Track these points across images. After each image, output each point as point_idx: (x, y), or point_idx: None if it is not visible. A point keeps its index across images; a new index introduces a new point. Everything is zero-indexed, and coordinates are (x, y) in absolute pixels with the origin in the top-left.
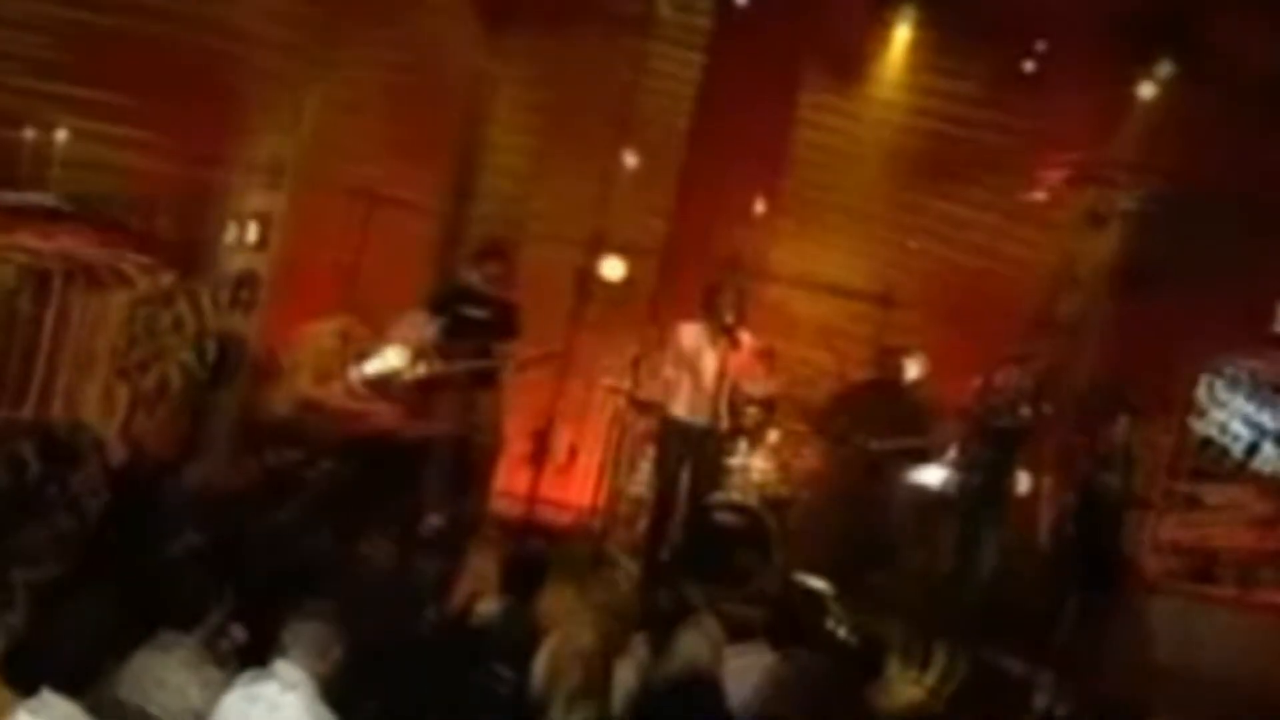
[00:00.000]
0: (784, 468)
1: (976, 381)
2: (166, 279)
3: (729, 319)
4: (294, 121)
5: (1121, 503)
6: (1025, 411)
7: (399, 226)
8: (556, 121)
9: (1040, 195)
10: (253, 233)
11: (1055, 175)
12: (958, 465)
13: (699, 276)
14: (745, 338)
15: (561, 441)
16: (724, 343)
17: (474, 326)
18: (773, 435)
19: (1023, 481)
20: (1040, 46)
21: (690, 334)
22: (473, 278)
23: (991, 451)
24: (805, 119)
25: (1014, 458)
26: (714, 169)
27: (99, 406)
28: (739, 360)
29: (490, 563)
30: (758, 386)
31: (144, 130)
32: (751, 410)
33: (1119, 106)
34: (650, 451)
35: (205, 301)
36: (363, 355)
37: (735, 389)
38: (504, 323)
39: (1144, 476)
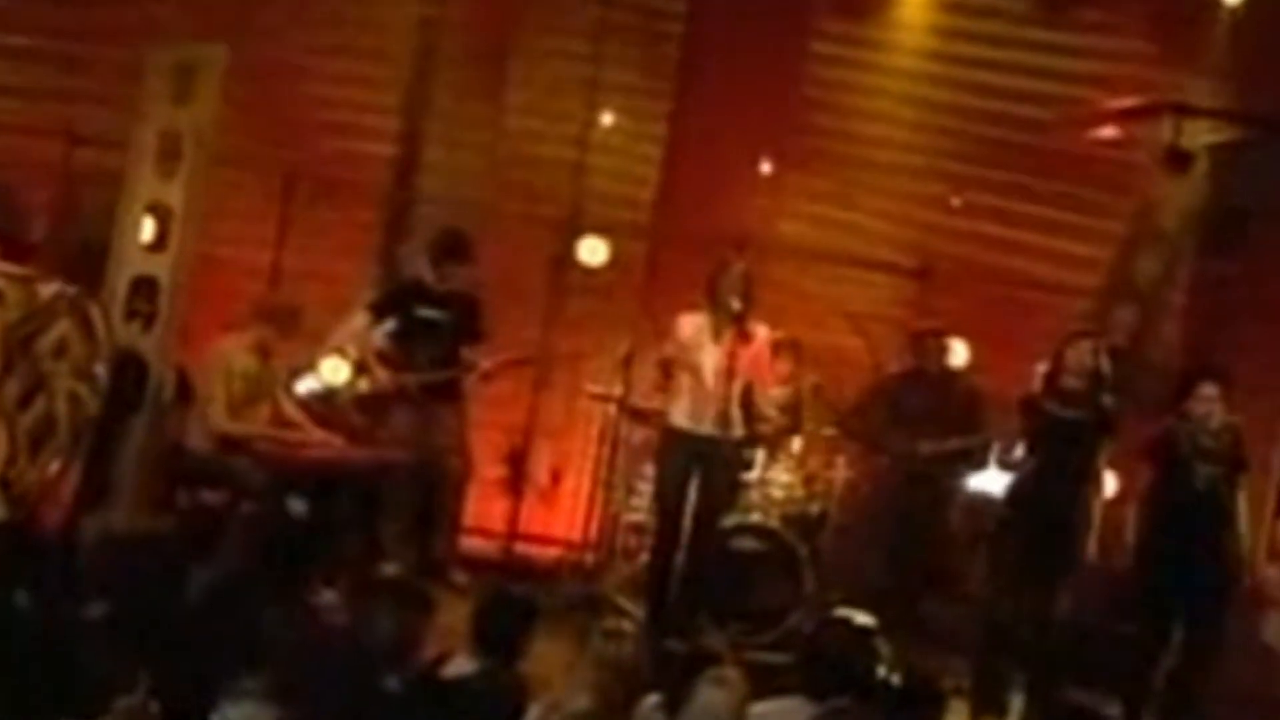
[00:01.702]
0: (811, 481)
1: (1041, 365)
2: (45, 291)
3: (736, 306)
4: (190, 91)
5: (1226, 503)
6: (1107, 399)
7: (331, 213)
8: (513, 76)
9: (1107, 133)
10: (148, 230)
11: (1122, 107)
12: (1022, 468)
13: (697, 257)
14: (759, 329)
15: (542, 463)
16: (731, 335)
17: (430, 330)
18: (796, 443)
19: (1106, 483)
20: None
21: (691, 326)
22: (426, 272)
23: (1064, 449)
24: (816, 55)
25: (1094, 455)
26: (708, 123)
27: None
28: (752, 356)
29: (462, 615)
30: (776, 389)
31: (9, 106)
32: (771, 414)
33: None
34: (649, 469)
35: (95, 316)
36: (295, 372)
37: (749, 390)
38: (466, 323)
39: (1253, 469)
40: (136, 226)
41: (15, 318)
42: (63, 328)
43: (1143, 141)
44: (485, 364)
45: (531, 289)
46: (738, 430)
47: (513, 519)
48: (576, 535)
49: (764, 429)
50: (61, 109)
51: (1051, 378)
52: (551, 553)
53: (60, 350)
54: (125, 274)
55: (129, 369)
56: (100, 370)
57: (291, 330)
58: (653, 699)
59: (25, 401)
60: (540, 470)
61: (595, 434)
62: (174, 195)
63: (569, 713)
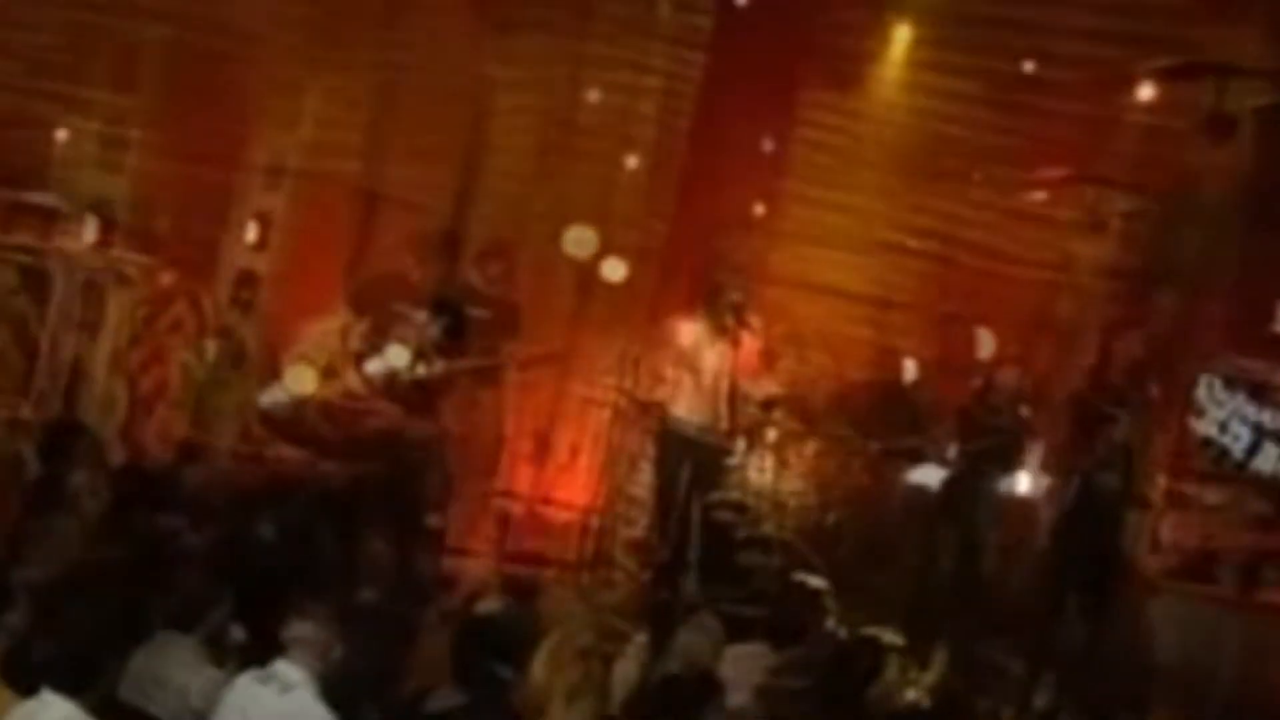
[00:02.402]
0: (783, 467)
1: (977, 382)
2: (166, 279)
3: (729, 320)
4: (294, 122)
5: (1120, 502)
6: (1025, 411)
7: (400, 227)
8: (558, 123)
9: (1039, 196)
10: (252, 233)
11: (1054, 176)
12: (956, 465)
13: (699, 278)
14: (745, 338)
15: (563, 440)
16: (724, 343)
17: (476, 326)
18: (771, 434)
19: (1022, 481)
20: (1040, 48)
21: (689, 333)
22: (475, 278)
23: (990, 451)
24: (804, 120)
25: (1013, 458)
26: (714, 170)
27: (98, 407)
28: (740, 359)
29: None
30: (759, 387)
31: (145, 131)
32: (751, 409)
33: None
34: (650, 451)
35: (205, 302)
36: (362, 355)
37: (735, 388)
38: (505, 322)
39: (1143, 476)
40: (243, 229)
41: (141, 299)
42: (179, 309)
43: (1068, 204)
44: (520, 356)
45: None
46: (725, 422)
47: (537, 484)
48: (588, 501)
49: (745, 421)
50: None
51: (983, 393)
52: (567, 515)
53: (175, 327)
54: (232, 268)
55: (230, 346)
56: (208, 345)
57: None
58: (641, 638)
59: (145, 368)
60: (561, 447)
61: (607, 420)
62: (276, 205)
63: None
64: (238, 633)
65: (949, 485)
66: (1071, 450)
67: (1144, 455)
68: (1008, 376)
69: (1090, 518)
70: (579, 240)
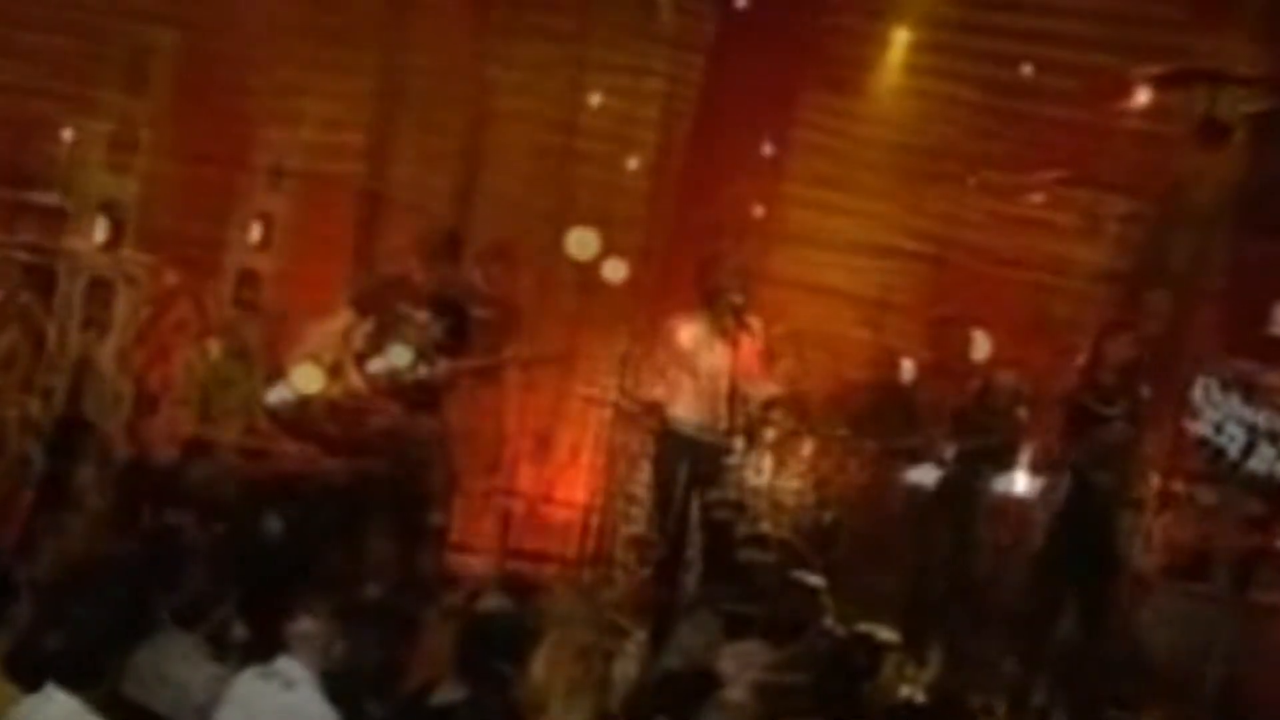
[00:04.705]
0: (781, 466)
1: (975, 383)
2: (171, 279)
3: (729, 322)
4: (297, 124)
5: (1115, 502)
6: (1022, 413)
7: (402, 227)
8: (559, 126)
9: (1036, 199)
10: (256, 233)
11: (1050, 179)
12: (953, 465)
13: (699, 279)
14: (745, 339)
15: (563, 440)
16: (724, 344)
17: (477, 326)
18: (770, 434)
19: (1018, 481)
20: (1039, 52)
21: (689, 334)
22: (476, 278)
23: (986, 452)
24: (804, 123)
25: (1009, 458)
26: (714, 173)
27: (105, 404)
28: (740, 360)
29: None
30: (758, 388)
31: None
32: (750, 409)
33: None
34: (651, 450)
35: (208, 301)
36: (365, 355)
37: (735, 389)
38: (507, 323)
39: (1138, 476)
40: (246, 229)
41: (145, 298)
42: (182, 309)
43: (1066, 206)
44: (522, 356)
45: (561, 298)
46: (724, 422)
47: (538, 483)
48: (588, 500)
49: (743, 421)
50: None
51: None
52: (567, 513)
53: (179, 326)
54: (234, 268)
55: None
56: (211, 344)
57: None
58: (641, 635)
59: (150, 366)
60: (562, 446)
61: (608, 418)
62: (279, 206)
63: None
64: (241, 628)
65: (944, 485)
66: (1065, 450)
67: (1137, 455)
68: (1005, 378)
69: (1085, 517)
70: (581, 242)
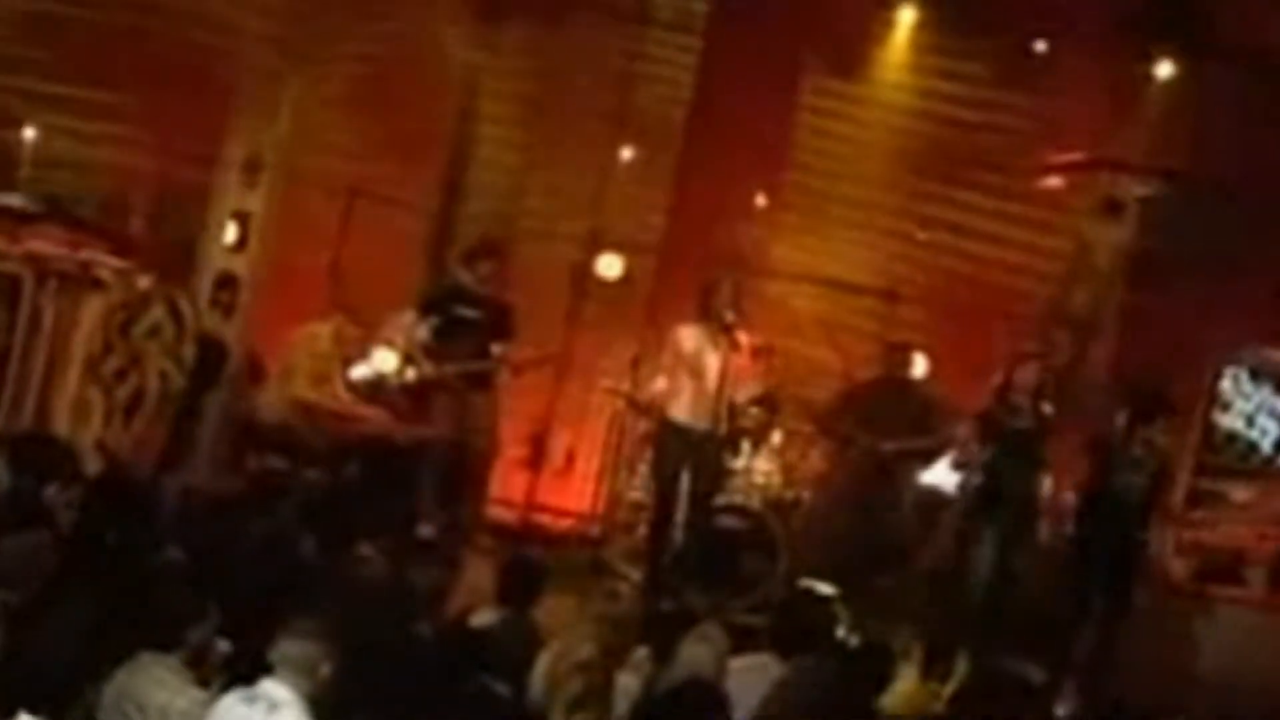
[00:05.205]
0: (788, 469)
1: (996, 379)
2: (142, 282)
3: (729, 318)
4: (273, 116)
5: (1143, 502)
6: (1048, 409)
7: (386, 224)
8: (549, 114)
9: (1053, 182)
10: (231, 233)
11: (1068, 161)
12: (972, 465)
13: (698, 274)
14: (742, 336)
15: (559, 446)
16: (725, 343)
17: (467, 327)
18: (776, 436)
19: (1041, 482)
20: (1050, 30)
21: (690, 336)
22: (465, 277)
23: (1009, 451)
24: (806, 107)
25: (1033, 458)
26: (713, 162)
27: (73, 416)
28: (728, 366)
29: (486, 572)
30: (748, 387)
31: (117, 127)
32: (754, 411)
33: (1131, 93)
34: (649, 455)
35: (183, 305)
36: (350, 359)
37: (735, 388)
38: (498, 323)
39: (1166, 474)
40: (221, 230)
41: (116, 304)
42: (156, 314)
43: (1083, 190)
44: (514, 359)
45: (556, 297)
46: (726, 425)
47: (532, 492)
48: (586, 508)
49: (747, 423)
50: (159, 129)
51: (1003, 393)
52: (564, 522)
53: (153, 333)
54: (210, 270)
55: (211, 351)
56: (187, 351)
57: (357, 323)
58: (644, 651)
59: (122, 375)
60: (557, 452)
61: (605, 423)
62: (255, 204)
63: (574, 658)
64: (223, 649)
65: (975, 490)
66: (1093, 449)
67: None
68: (1027, 373)
69: (1111, 519)
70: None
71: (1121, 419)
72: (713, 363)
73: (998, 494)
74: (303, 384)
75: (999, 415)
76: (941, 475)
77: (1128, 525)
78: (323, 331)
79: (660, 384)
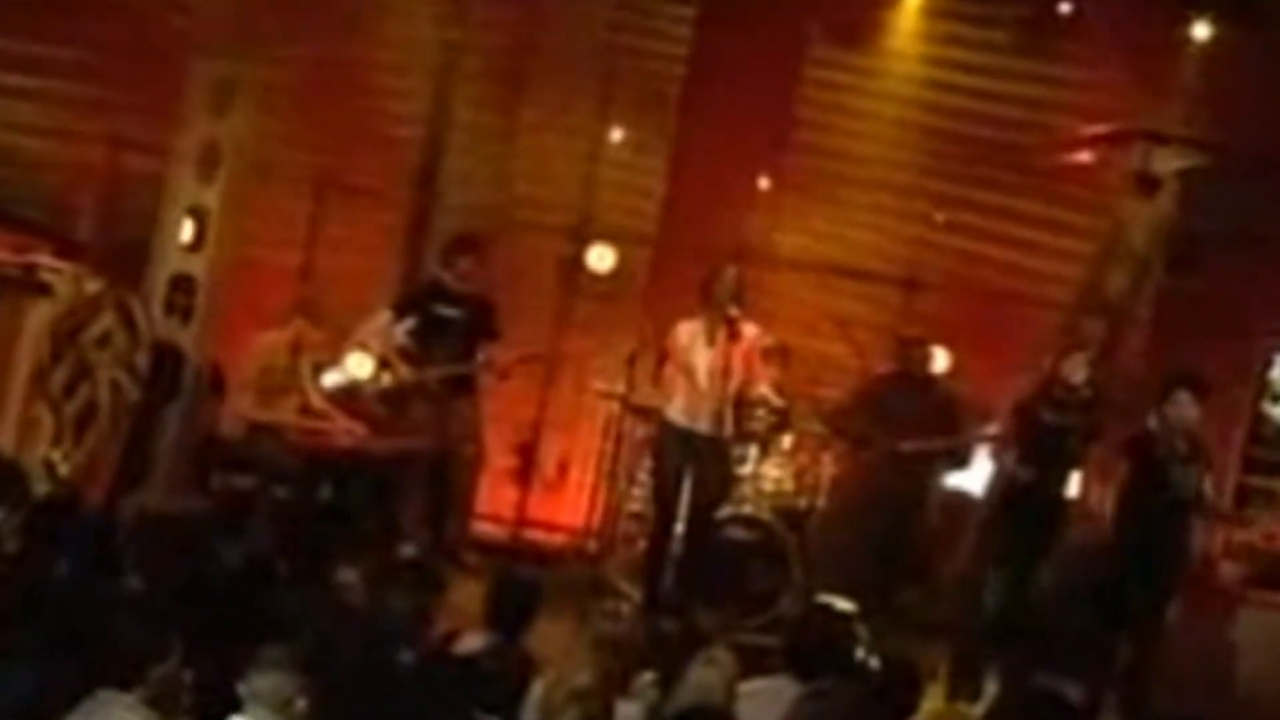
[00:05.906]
0: (800, 475)
1: (1037, 372)
2: (91, 286)
3: (730, 310)
4: (229, 103)
5: (1190, 502)
6: (1094, 407)
7: (356, 219)
8: (530, 95)
9: (1082, 157)
10: (187, 231)
11: (1098, 134)
12: (1005, 466)
13: (697, 264)
14: (749, 330)
15: (550, 454)
16: (724, 335)
17: (447, 328)
18: (786, 439)
19: (1076, 483)
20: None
21: (687, 332)
22: (444, 274)
23: (1045, 450)
24: (811, 80)
25: (1071, 456)
26: (710, 143)
27: (18, 433)
28: (743, 354)
29: (473, 594)
30: (749, 388)
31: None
32: (762, 413)
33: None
34: (649, 462)
35: (136, 311)
36: (320, 366)
37: (743, 388)
38: (481, 323)
39: (1214, 471)
40: (177, 227)
41: (63, 310)
42: (107, 321)
43: (1116, 165)
44: (499, 361)
45: (543, 292)
46: (730, 428)
47: (521, 506)
48: (581, 522)
49: (756, 426)
50: (107, 118)
51: (1046, 386)
52: (557, 538)
53: (104, 341)
54: (165, 271)
55: (167, 360)
56: (141, 360)
57: (324, 326)
58: (648, 676)
59: (71, 388)
60: (548, 462)
61: (600, 429)
62: (212, 199)
63: (571, 686)
64: (188, 684)
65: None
66: (1132, 447)
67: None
68: (1075, 365)
69: (1155, 521)
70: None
71: (1154, 418)
72: (704, 359)
73: (1031, 497)
74: (250, 402)
75: (1040, 411)
76: (968, 478)
77: (1172, 527)
78: (279, 342)
79: (659, 384)
